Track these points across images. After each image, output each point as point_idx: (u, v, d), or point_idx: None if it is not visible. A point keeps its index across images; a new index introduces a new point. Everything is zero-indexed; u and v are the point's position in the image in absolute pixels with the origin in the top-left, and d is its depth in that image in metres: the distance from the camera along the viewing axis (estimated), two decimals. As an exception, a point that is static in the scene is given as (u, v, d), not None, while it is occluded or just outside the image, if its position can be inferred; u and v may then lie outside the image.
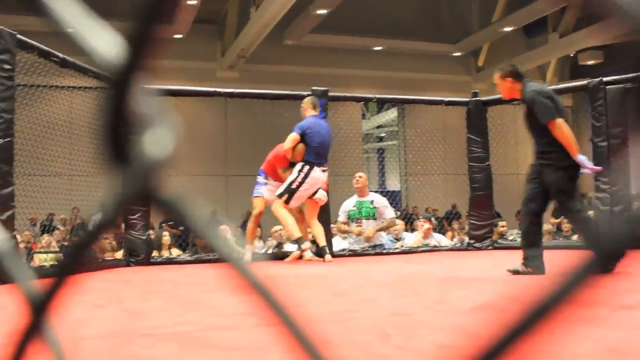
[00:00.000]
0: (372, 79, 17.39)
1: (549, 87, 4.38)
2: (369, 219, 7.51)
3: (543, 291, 0.36)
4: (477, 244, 7.43)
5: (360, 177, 7.62)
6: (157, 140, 0.44)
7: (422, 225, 7.89)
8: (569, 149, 3.96)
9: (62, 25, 0.51)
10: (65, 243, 8.63)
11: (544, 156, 4.10)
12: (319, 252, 6.30)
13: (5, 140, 4.82)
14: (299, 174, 6.17)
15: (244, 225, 13.83)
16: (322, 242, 6.32)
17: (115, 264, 6.13)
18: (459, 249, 7.55)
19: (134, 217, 6.28)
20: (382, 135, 24.63)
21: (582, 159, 3.99)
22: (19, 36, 5.00)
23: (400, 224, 8.18)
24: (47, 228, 8.70)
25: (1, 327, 2.44)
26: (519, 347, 0.36)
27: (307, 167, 6.16)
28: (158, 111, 0.46)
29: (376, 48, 17.71)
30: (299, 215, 6.51)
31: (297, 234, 6.18)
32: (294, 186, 6.16)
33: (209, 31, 16.53)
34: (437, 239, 7.93)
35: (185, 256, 7.00)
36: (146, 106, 0.46)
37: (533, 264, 4.09)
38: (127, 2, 0.46)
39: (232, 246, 0.44)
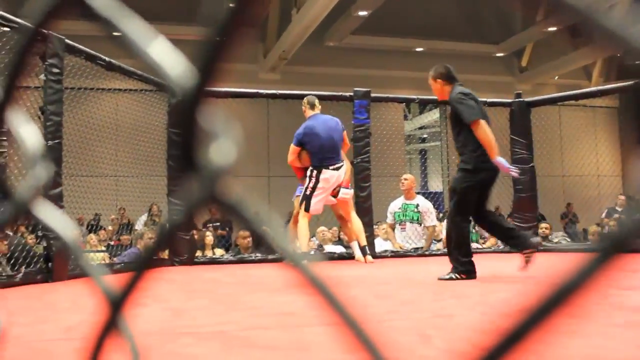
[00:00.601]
0: (414, 80, 17.25)
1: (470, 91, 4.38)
2: (412, 223, 7.46)
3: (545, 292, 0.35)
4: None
5: (405, 179, 7.57)
6: (221, 150, 0.49)
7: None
8: (489, 150, 4.01)
9: (128, 43, 0.56)
10: (111, 242, 8.78)
11: (460, 159, 4.23)
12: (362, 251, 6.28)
13: (54, 141, 4.93)
14: (309, 180, 6.04)
15: (287, 224, 13.93)
16: (362, 241, 6.28)
17: (160, 264, 6.21)
18: (501, 252, 7.44)
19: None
20: (425, 136, 24.44)
21: (501, 160, 4.03)
22: (67, 41, 5.11)
23: (440, 225, 8.09)
24: (94, 228, 8.87)
25: (79, 318, 2.49)
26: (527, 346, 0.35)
27: (315, 172, 6.02)
28: (222, 123, 0.51)
29: (418, 49, 17.60)
30: (341, 221, 6.46)
31: (303, 249, 6.07)
32: (307, 192, 6.03)
33: (250, 33, 16.64)
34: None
35: (228, 256, 7.06)
36: (211, 118, 0.50)
37: (465, 269, 4.10)
38: (202, 15, 0.50)
39: (294, 246, 0.44)
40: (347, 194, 6.19)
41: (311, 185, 6.02)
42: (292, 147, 6.14)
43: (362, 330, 0.46)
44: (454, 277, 4.16)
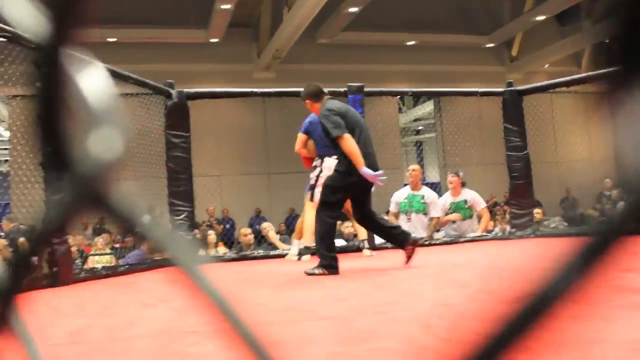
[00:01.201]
0: (407, 73, 17.25)
1: (340, 105, 4.52)
2: (419, 214, 7.44)
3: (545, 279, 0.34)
4: (519, 233, 7.31)
5: (413, 170, 7.55)
6: (104, 141, 0.39)
7: (450, 181, 7.79)
8: (355, 162, 4.19)
9: None
10: (117, 245, 8.77)
11: (337, 160, 4.46)
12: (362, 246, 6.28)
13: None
14: (314, 169, 6.03)
15: (287, 222, 13.92)
16: (362, 235, 6.26)
17: (164, 264, 6.20)
18: (501, 238, 7.44)
19: (180, 217, 6.35)
20: (420, 128, 24.43)
21: (366, 171, 4.22)
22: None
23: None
24: (99, 231, 8.86)
25: (84, 322, 2.48)
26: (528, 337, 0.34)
27: (319, 160, 6.01)
28: (107, 108, 0.40)
29: (409, 43, 17.57)
30: (350, 215, 6.42)
31: (306, 242, 6.07)
32: (312, 182, 6.02)
33: (244, 34, 16.62)
34: (471, 195, 7.75)
35: (231, 254, 7.06)
36: (93, 102, 0.40)
37: (327, 264, 4.19)
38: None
39: (186, 248, 0.40)
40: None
41: (316, 173, 6.00)
42: (299, 136, 6.13)
43: (250, 334, 0.43)
44: (316, 272, 4.20)
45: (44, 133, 0.40)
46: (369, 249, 6.20)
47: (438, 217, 7.50)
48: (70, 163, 0.39)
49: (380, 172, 4.37)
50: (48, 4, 0.39)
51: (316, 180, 5.98)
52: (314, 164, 6.06)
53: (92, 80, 0.40)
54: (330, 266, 4.21)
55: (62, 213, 0.42)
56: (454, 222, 7.68)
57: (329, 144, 5.88)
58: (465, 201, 7.66)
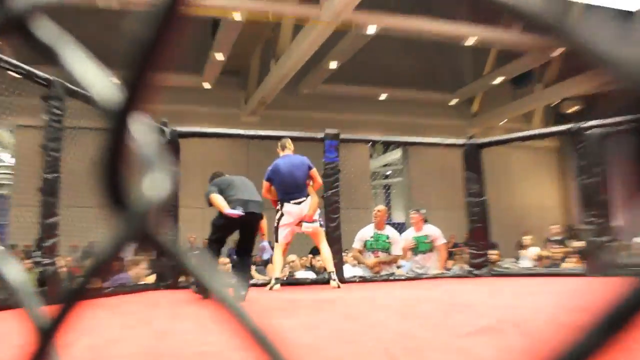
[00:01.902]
0: (379, 123, 17.39)
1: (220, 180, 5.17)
2: (384, 252, 7.40)
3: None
4: (476, 272, 7.28)
5: (379, 210, 7.51)
6: (154, 184, 0.43)
7: (413, 217, 7.79)
8: (220, 209, 4.77)
9: (69, 69, 0.50)
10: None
11: None
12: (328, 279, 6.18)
13: (53, 175, 4.81)
14: (277, 213, 6.13)
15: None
16: (329, 267, 6.17)
17: (146, 288, 6.04)
18: (460, 276, 7.39)
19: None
20: (389, 172, 24.52)
21: (228, 211, 4.71)
22: (67, 84, 5.02)
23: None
24: (86, 254, 8.63)
25: (9, 352, 2.35)
26: None
27: (279, 205, 6.09)
28: (156, 155, 0.44)
29: (381, 97, 17.76)
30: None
31: (275, 273, 6.04)
32: (275, 224, 6.12)
33: (234, 81, 16.67)
34: (430, 230, 7.72)
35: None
36: (145, 150, 0.44)
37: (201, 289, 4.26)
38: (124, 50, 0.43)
39: (222, 283, 0.37)
40: (308, 227, 6.10)
41: (277, 217, 6.10)
42: (263, 183, 6.17)
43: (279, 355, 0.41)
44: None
45: (107, 179, 0.43)
46: (335, 280, 6.08)
47: (398, 255, 7.47)
48: (126, 203, 0.43)
49: (238, 210, 4.77)
50: (123, 76, 0.43)
51: (277, 222, 6.04)
52: (277, 207, 6.07)
53: (143, 131, 0.44)
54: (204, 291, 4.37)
55: (116, 245, 0.45)
56: (415, 255, 7.62)
57: (288, 190, 5.96)
58: (427, 236, 7.65)
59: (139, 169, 0.44)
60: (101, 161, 0.44)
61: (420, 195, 9.81)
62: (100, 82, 0.47)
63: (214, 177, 5.31)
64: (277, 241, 6.09)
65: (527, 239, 10.09)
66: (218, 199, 4.84)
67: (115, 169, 0.43)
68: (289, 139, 6.43)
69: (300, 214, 6.05)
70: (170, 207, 6.37)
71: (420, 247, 7.63)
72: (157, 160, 0.44)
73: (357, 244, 7.54)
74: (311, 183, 6.17)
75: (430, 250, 7.66)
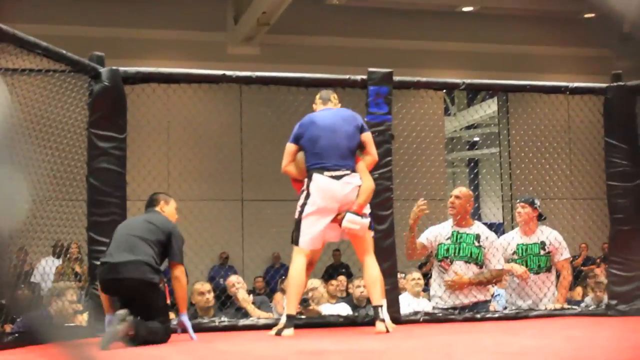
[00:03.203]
0: (459, 55, 17.31)
1: None
2: (469, 263, 7.27)
3: None
4: (621, 306, 7.25)
5: (458, 197, 7.37)
6: None
7: (520, 213, 7.64)
8: None
9: None
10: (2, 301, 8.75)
11: None
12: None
13: None
14: (301, 194, 6.09)
15: (267, 275, 13.84)
16: (375, 297, 6.15)
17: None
18: (594, 314, 7.38)
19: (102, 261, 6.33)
20: (476, 139, 24.46)
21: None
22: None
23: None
24: None
25: None
26: None
27: (306, 180, 6.06)
28: None
29: (465, 9, 17.65)
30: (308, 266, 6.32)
31: (287, 309, 6.05)
32: (296, 215, 6.05)
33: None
34: (552, 236, 7.64)
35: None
36: None
37: None
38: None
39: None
40: (355, 222, 6.01)
41: (300, 202, 6.05)
42: (287, 146, 6.21)
43: None
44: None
45: None
46: (384, 320, 6.06)
47: (501, 269, 7.32)
48: None
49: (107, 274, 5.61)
50: None
51: (300, 212, 6.02)
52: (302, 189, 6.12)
53: None
54: None
55: None
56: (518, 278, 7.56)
57: (324, 154, 5.93)
58: (543, 244, 7.52)
59: None
60: None
61: (528, 177, 9.75)
62: None
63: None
64: (295, 243, 6.05)
65: None
66: None
67: None
68: (333, 92, 6.52)
69: (339, 196, 5.97)
70: (114, 203, 6.47)
71: (531, 263, 7.59)
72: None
73: (423, 239, 7.38)
74: (361, 155, 6.20)
75: (547, 268, 7.62)
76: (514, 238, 7.65)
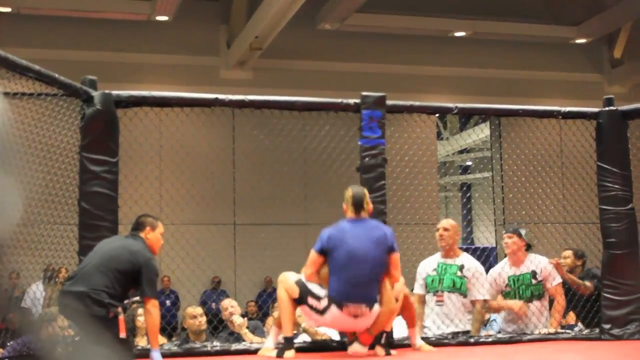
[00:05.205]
0: (452, 79, 17.37)
1: None
2: (452, 293, 7.34)
3: None
4: (615, 330, 7.24)
5: (446, 229, 7.44)
6: None
7: (507, 244, 7.69)
8: None
9: None
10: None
11: None
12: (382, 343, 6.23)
13: None
14: (319, 301, 6.01)
15: (260, 300, 13.81)
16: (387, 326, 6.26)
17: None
18: (587, 338, 7.37)
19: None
20: (468, 164, 24.50)
21: None
22: None
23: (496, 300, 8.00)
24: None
25: None
26: None
27: (327, 296, 5.97)
28: None
29: (458, 34, 17.70)
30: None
31: (284, 333, 6.10)
32: (315, 306, 6.04)
33: (207, 11, 16.74)
34: (542, 264, 7.66)
35: (172, 346, 6.98)
36: None
37: None
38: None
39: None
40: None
41: (322, 306, 5.98)
42: (312, 254, 6.13)
43: None
44: None
45: None
46: (382, 346, 6.14)
47: (484, 300, 7.41)
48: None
49: None
50: None
51: (318, 312, 6.00)
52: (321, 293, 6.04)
53: None
54: None
55: None
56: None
57: (348, 281, 5.84)
58: (534, 273, 7.56)
59: None
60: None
61: (521, 200, 9.77)
62: None
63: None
64: (300, 279, 6.11)
65: None
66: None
67: None
68: (366, 192, 6.33)
69: (354, 327, 6.06)
70: (105, 227, 6.45)
71: (524, 293, 7.61)
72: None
73: (417, 287, 7.53)
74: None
75: (540, 296, 7.64)
76: (504, 270, 7.70)
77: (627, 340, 7.11)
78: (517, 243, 7.61)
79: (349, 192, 6.23)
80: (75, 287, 5.51)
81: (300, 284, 6.05)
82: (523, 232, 7.66)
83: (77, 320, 5.45)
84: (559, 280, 7.65)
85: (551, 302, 7.75)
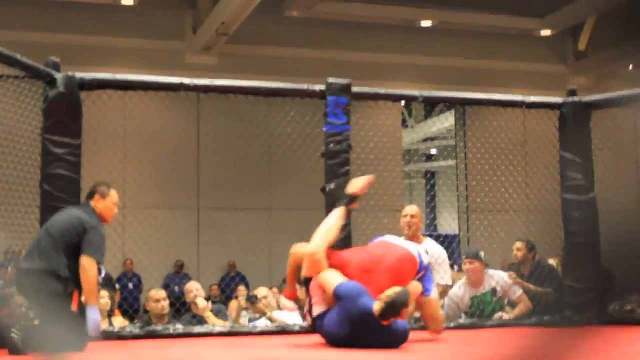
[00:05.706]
0: (417, 68, 17.38)
1: None
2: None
3: None
4: (576, 317, 7.30)
5: (413, 216, 7.44)
6: None
7: (469, 270, 7.76)
8: None
9: None
10: None
11: None
12: None
13: None
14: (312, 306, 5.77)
15: (223, 283, 13.74)
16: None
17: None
18: (548, 324, 7.42)
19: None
20: (433, 152, 24.58)
21: None
22: None
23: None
24: None
25: None
26: None
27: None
28: None
29: (424, 24, 17.71)
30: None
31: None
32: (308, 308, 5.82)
33: (175, -5, 16.65)
34: (500, 281, 7.74)
35: (133, 328, 6.95)
36: None
37: None
38: None
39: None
40: None
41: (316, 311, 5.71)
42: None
43: None
44: None
45: None
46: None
47: (447, 285, 7.45)
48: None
49: None
50: None
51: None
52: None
53: None
54: None
55: None
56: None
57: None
58: (494, 291, 7.67)
59: None
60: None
61: (484, 189, 9.80)
62: None
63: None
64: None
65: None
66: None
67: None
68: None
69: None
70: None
71: (487, 310, 7.69)
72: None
73: None
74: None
75: (502, 308, 7.74)
76: (465, 292, 7.82)
77: (587, 326, 7.17)
78: (479, 267, 7.73)
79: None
80: (33, 264, 5.49)
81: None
82: (482, 254, 7.82)
83: (36, 298, 5.36)
84: (520, 291, 7.75)
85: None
